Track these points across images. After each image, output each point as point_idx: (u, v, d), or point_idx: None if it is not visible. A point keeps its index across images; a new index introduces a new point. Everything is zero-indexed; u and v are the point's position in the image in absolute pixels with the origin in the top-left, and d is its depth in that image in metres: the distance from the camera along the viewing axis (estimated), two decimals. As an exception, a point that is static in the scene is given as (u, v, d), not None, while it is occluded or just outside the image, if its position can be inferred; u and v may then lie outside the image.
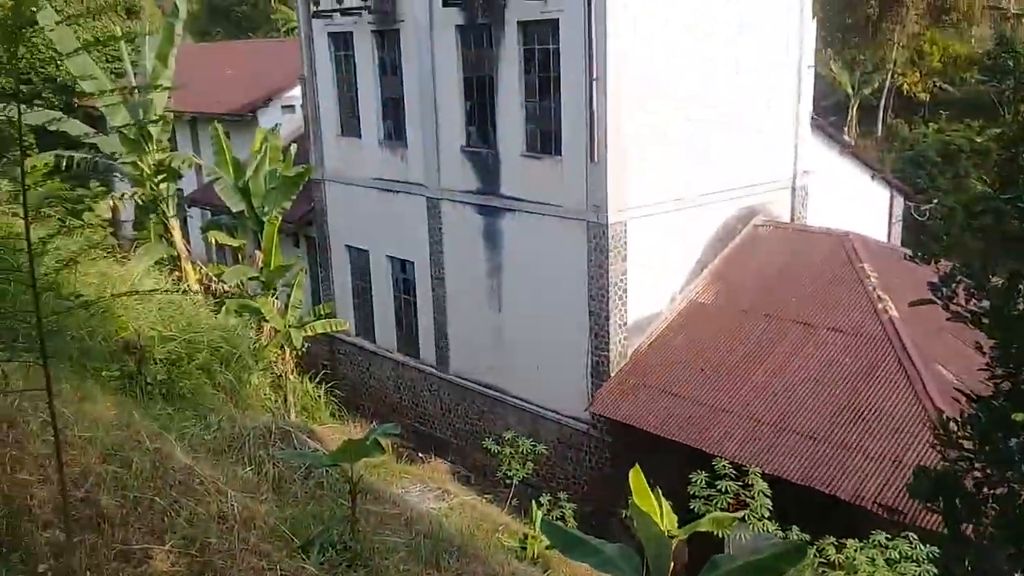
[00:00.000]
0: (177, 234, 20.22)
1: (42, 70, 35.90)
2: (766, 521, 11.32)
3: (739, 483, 11.65)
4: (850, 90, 43.82)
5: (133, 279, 9.95)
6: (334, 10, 21.01)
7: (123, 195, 20.26)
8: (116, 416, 6.04)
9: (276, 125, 24.04)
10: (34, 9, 3.71)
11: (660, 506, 7.76)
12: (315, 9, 21.66)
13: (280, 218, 20.88)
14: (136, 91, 15.68)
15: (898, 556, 10.37)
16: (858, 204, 21.88)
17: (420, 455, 18.83)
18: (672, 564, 7.05)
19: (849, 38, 43.57)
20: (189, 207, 28.44)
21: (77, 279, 8.17)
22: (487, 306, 19.13)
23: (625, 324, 16.87)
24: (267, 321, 18.14)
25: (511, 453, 14.01)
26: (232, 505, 5.46)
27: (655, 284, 17.21)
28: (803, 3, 18.82)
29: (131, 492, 5.01)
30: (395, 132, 20.84)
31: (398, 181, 20.77)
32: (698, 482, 11.68)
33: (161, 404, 7.92)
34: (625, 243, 16.52)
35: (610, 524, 15.03)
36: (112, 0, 39.24)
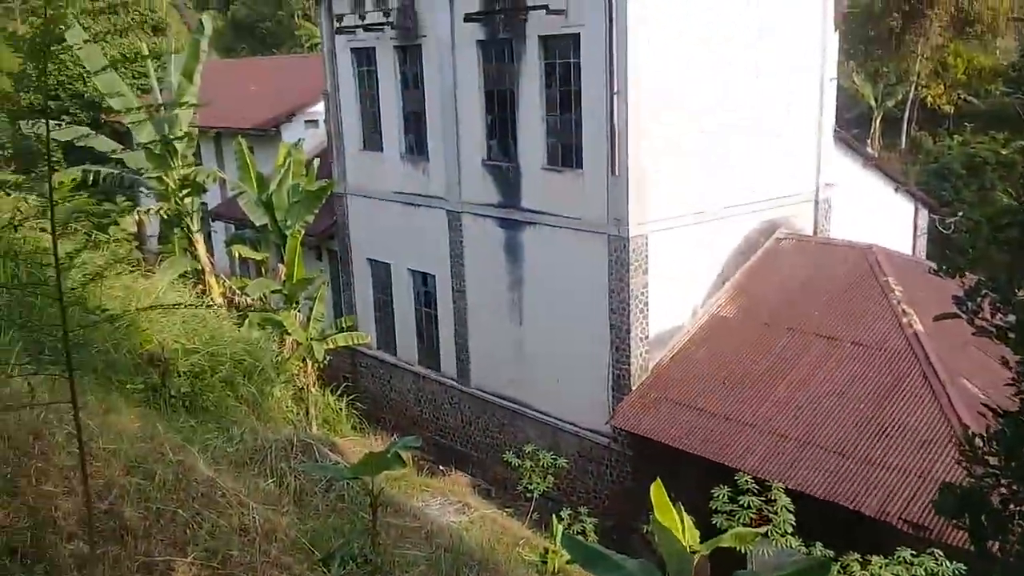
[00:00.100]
0: (201, 248, 20.39)
1: (70, 87, 36.50)
2: (789, 537, 11.20)
3: (762, 498, 11.54)
4: (873, 102, 43.59)
5: (157, 292, 10.05)
6: (357, 26, 21.20)
7: (148, 210, 20.50)
8: (140, 428, 6.09)
9: (299, 140, 24.26)
10: (62, 28, 3.77)
11: (682, 521, 7.70)
12: (338, 25, 21.87)
13: (303, 232, 21.02)
14: (162, 108, 15.90)
15: (924, 573, 10.22)
16: (882, 217, 21.72)
17: (440, 468, 18.80)
18: (694, 580, 6.99)
19: (872, 50, 43.40)
20: (213, 221, 28.74)
21: (103, 293, 8.26)
22: (508, 319, 19.14)
23: (646, 337, 16.81)
24: (289, 334, 18.24)
25: (531, 466, 13.94)
26: (254, 517, 5.49)
27: (677, 297, 17.15)
28: (825, 15, 18.76)
29: (154, 504, 5.04)
30: (417, 146, 20.96)
31: (419, 195, 20.88)
32: (720, 497, 11.58)
33: (184, 416, 7.98)
34: (646, 256, 16.48)
35: (631, 539, 14.93)
36: (139, 18, 39.91)
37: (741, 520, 11.14)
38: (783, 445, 14.11)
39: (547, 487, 13.98)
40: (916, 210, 23.31)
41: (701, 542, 7.77)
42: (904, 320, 15.24)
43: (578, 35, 16.40)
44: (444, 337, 21.12)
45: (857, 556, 10.59)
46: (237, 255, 23.35)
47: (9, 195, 4.48)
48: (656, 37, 15.97)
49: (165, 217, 20.22)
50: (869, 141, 42.17)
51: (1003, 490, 4.24)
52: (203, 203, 22.78)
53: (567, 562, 10.19)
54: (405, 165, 21.28)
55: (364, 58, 21.85)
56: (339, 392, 19.17)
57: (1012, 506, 4.20)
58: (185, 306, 8.58)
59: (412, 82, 20.67)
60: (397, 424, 22.05)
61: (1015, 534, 4.18)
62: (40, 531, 4.31)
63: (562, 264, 17.62)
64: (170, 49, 20.65)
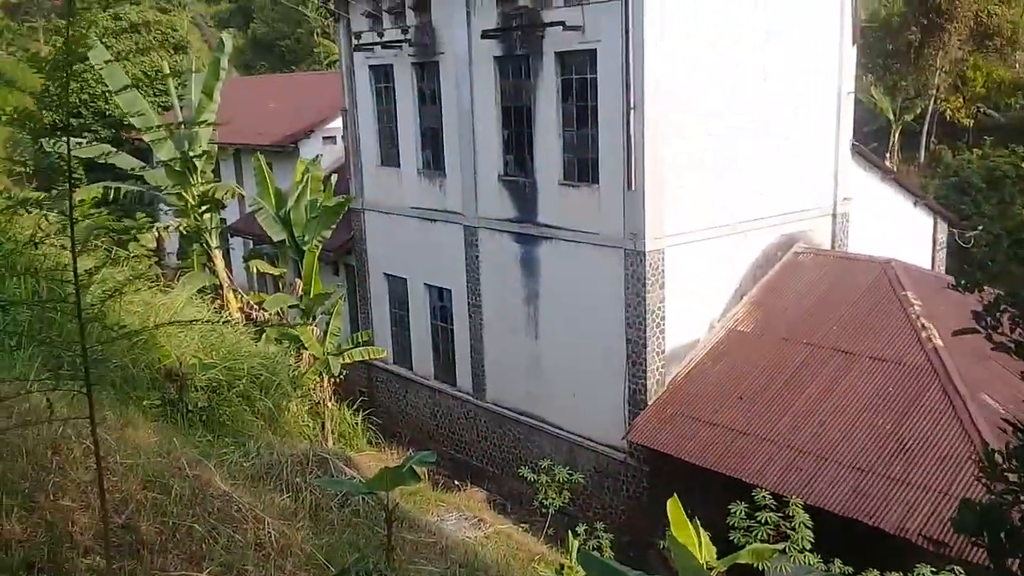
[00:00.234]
0: (220, 263, 20.54)
1: (92, 105, 36.97)
2: (807, 553, 11.08)
3: (780, 514, 11.44)
4: (892, 116, 43.39)
5: (176, 308, 10.13)
6: (375, 43, 21.38)
7: (167, 226, 20.68)
8: (157, 443, 6.13)
9: (317, 156, 24.43)
10: (83, 48, 3.84)
11: (699, 537, 7.67)
12: (357, 43, 22.08)
13: (320, 247, 21.14)
14: (182, 126, 16.13)
15: (944, 591, 10.09)
16: (901, 231, 21.58)
17: (456, 483, 18.78)
18: (710, 597, 6.95)
19: (891, 64, 43.24)
20: (232, 237, 28.93)
21: (122, 308, 8.34)
22: (524, 334, 19.14)
23: (663, 352, 16.76)
24: (306, 349, 18.31)
25: (547, 481, 13.91)
26: (269, 532, 5.51)
27: (694, 312, 17.10)
28: (843, 29, 18.74)
29: (170, 519, 5.07)
30: (433, 162, 21.06)
31: (436, 210, 20.96)
32: (737, 513, 11.48)
33: (201, 431, 8.02)
34: (663, 271, 16.45)
35: (648, 555, 14.84)
36: (161, 37, 40.43)
37: (759, 536, 11.05)
38: (801, 460, 14.00)
39: (563, 502, 13.93)
40: (935, 224, 23.15)
41: (718, 558, 7.73)
42: (923, 335, 15.12)
43: (595, 51, 16.47)
44: (460, 352, 21.14)
45: (876, 573, 10.47)
46: (255, 270, 23.50)
47: (29, 212, 4.54)
48: (681, 53, 16.00)
49: (184, 233, 20.40)
50: (888, 155, 41.96)
51: (1023, 507, 4.19)
52: (222, 219, 22.98)
53: (583, 578, 10.15)
54: (422, 180, 21.38)
55: (382, 75, 22.02)
56: (355, 406, 19.22)
57: (1032, 524, 4.14)
58: (202, 322, 8.63)
59: (429, 98, 20.80)
60: (413, 439, 22.05)
61: (1035, 552, 4.12)
62: (57, 546, 4.35)
63: (578, 279, 17.61)
64: (191, 67, 20.86)
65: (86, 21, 3.68)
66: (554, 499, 13.67)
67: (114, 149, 19.14)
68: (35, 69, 3.72)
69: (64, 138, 3.91)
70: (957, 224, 24.21)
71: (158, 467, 5.56)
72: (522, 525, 14.22)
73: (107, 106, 36.04)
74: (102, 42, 20.65)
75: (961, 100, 43.28)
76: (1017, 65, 44.61)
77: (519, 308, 19.14)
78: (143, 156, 24.91)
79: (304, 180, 21.83)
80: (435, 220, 21.04)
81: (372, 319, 23.89)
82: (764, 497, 11.56)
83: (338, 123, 25.42)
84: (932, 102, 43.15)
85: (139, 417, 6.71)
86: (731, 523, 11.34)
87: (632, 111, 15.82)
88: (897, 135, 43.93)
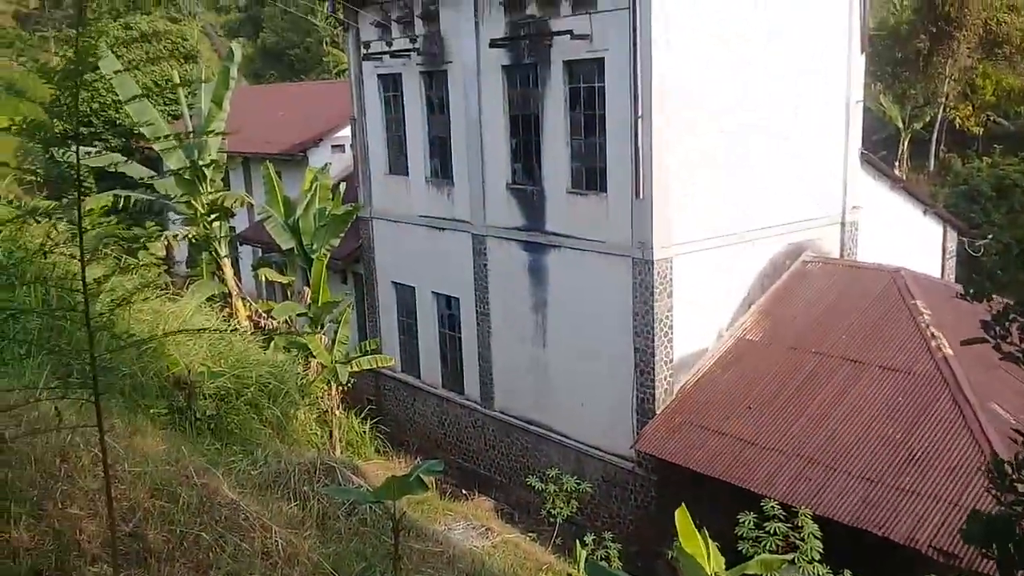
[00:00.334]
0: (228, 271, 20.62)
1: (103, 114, 37.20)
2: (817, 564, 11.04)
3: (789, 524, 11.40)
4: (901, 124, 43.31)
5: (185, 316, 10.16)
6: (384, 53, 21.46)
7: (176, 235, 20.77)
8: (165, 451, 6.15)
9: (326, 164, 24.52)
10: (92, 59, 3.86)
11: (707, 547, 7.62)
12: (365, 52, 22.17)
13: (328, 255, 21.19)
14: (192, 135, 16.20)
15: (956, 603, 10.02)
16: (910, 239, 21.51)
17: (464, 492, 18.76)
18: (719, 607, 6.90)
19: (899, 72, 43.18)
20: (241, 245, 29.04)
21: (131, 316, 8.37)
22: (532, 342, 19.13)
23: (671, 361, 16.72)
24: (314, 357, 18.34)
25: (555, 491, 13.89)
26: (276, 541, 5.51)
27: (702, 321, 17.06)
28: (851, 37, 18.73)
29: (178, 527, 5.08)
30: (442, 170, 21.11)
31: (444, 218, 21.00)
32: (746, 523, 11.45)
33: (209, 439, 8.03)
34: (671, 279, 16.43)
35: (656, 565, 14.78)
36: (171, 47, 40.68)
37: (767, 547, 11.01)
38: (810, 470, 13.93)
39: (571, 512, 13.90)
40: (945, 232, 23.07)
41: (727, 569, 7.68)
42: (933, 344, 15.05)
43: (602, 59, 16.49)
44: (468, 360, 21.13)
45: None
46: (264, 278, 23.58)
47: (38, 223, 4.56)
48: (687, 63, 16.01)
49: (194, 241, 20.48)
50: (897, 163, 41.87)
51: (1033, 519, 4.16)
52: (231, 227, 23.08)
53: (591, 588, 10.10)
54: (430, 189, 21.43)
55: (390, 84, 22.10)
56: (363, 415, 19.23)
57: (1042, 535, 4.11)
58: (211, 331, 8.66)
59: (437, 107, 20.86)
60: (421, 447, 22.05)
61: (1045, 564, 4.09)
62: (65, 554, 4.36)
63: (586, 287, 17.60)
64: (201, 77, 20.99)
65: (96, 31, 3.70)
66: (562, 508, 13.64)
67: (124, 158, 19.21)
68: (45, 80, 3.74)
69: (73, 147, 3.93)
70: (967, 233, 24.10)
71: (166, 475, 5.57)
72: (530, 534, 14.17)
73: (118, 115, 36.27)
74: (113, 52, 20.78)
75: (970, 108, 43.17)
76: (1027, 73, 44.46)
77: (527, 316, 19.13)
78: (153, 165, 25.06)
79: (313, 188, 21.91)
80: (443, 228, 21.07)
81: (380, 327, 23.91)
82: (773, 507, 11.53)
83: (347, 132, 25.52)
84: (941, 110, 43.06)
85: (147, 425, 6.72)
86: (740, 533, 11.31)
87: (640, 120, 15.83)
88: (906, 143, 43.83)
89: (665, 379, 16.69)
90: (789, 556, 10.53)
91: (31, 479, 4.73)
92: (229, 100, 20.07)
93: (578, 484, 14.34)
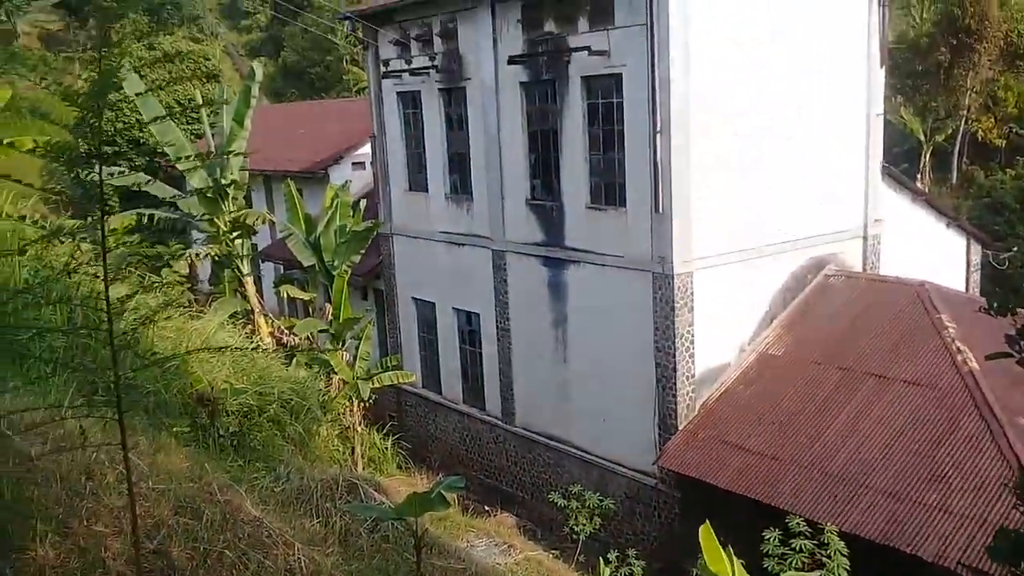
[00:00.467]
0: (251, 288, 20.75)
1: (127, 134, 37.66)
2: (843, 582, 10.90)
3: (814, 541, 11.27)
4: (922, 137, 42.99)
5: (208, 333, 10.22)
6: (403, 70, 21.63)
7: (199, 253, 20.95)
8: (189, 468, 6.17)
9: (347, 181, 24.68)
10: (116, 80, 3.91)
11: (732, 565, 7.55)
12: (385, 70, 22.34)
13: (349, 272, 21.30)
14: (214, 155, 16.39)
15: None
16: (933, 253, 21.32)
17: (486, 508, 18.70)
18: (744, 626, 6.83)
19: (920, 85, 42.90)
20: (263, 262, 29.24)
21: (155, 334, 8.43)
22: (552, 358, 19.09)
23: (693, 376, 16.63)
24: (336, 373, 18.40)
25: (578, 507, 13.83)
26: (299, 558, 5.51)
27: (723, 335, 16.97)
28: (870, 51, 18.66)
29: (201, 544, 5.09)
30: (461, 186, 21.18)
31: (464, 234, 21.05)
32: (771, 540, 11.34)
33: (232, 456, 8.06)
34: (692, 294, 16.36)
35: (680, 582, 14.63)
36: (193, 66, 41.19)
37: (793, 564, 10.89)
38: (836, 486, 13.78)
39: (594, 528, 13.84)
40: (968, 245, 22.85)
41: (751, 587, 7.60)
42: (959, 358, 14.87)
43: (620, 75, 16.52)
44: (488, 376, 21.12)
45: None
46: (285, 295, 23.72)
47: (63, 243, 4.62)
48: (707, 78, 16.01)
49: (216, 259, 20.65)
50: (919, 176, 41.53)
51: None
52: (253, 245, 23.25)
53: (614, 606, 10.03)
54: (450, 205, 21.50)
55: (410, 101, 22.24)
56: (385, 431, 19.27)
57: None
58: (233, 348, 8.70)
59: (456, 124, 20.96)
60: (442, 463, 22.03)
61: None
62: (90, 571, 4.37)
63: (606, 302, 17.56)
64: (223, 96, 21.22)
65: (120, 53, 3.76)
66: (585, 525, 13.58)
67: (150, 178, 19.47)
68: (68, 103, 3.80)
69: (97, 167, 3.98)
70: (991, 245, 23.85)
71: (189, 492, 5.59)
72: (553, 551, 14.09)
73: (142, 134, 36.72)
74: (136, 71, 21.06)
75: (992, 120, 42.81)
76: (1049, 84, 44.04)
77: (547, 332, 19.10)
78: (177, 183, 25.32)
79: (334, 206, 22.06)
80: (463, 244, 21.12)
81: (401, 343, 23.96)
82: (798, 524, 11.41)
83: (367, 149, 25.69)
84: (963, 122, 42.72)
85: (171, 442, 6.76)
86: (765, 550, 11.20)
87: (659, 134, 15.82)
88: (928, 156, 43.49)
89: (687, 394, 16.60)
90: (815, 574, 10.42)
91: (57, 497, 4.76)
92: (250, 119, 20.27)
93: (601, 501, 14.27)
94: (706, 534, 7.51)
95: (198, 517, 5.31)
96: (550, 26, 17.75)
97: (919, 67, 42.52)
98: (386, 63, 22.30)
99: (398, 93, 22.41)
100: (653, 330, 16.62)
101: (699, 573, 8.28)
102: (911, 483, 13.23)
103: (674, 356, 16.36)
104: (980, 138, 42.99)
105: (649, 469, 17.14)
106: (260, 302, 21.42)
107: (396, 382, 20.59)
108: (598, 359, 17.97)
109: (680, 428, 16.48)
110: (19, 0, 57.27)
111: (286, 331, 20.95)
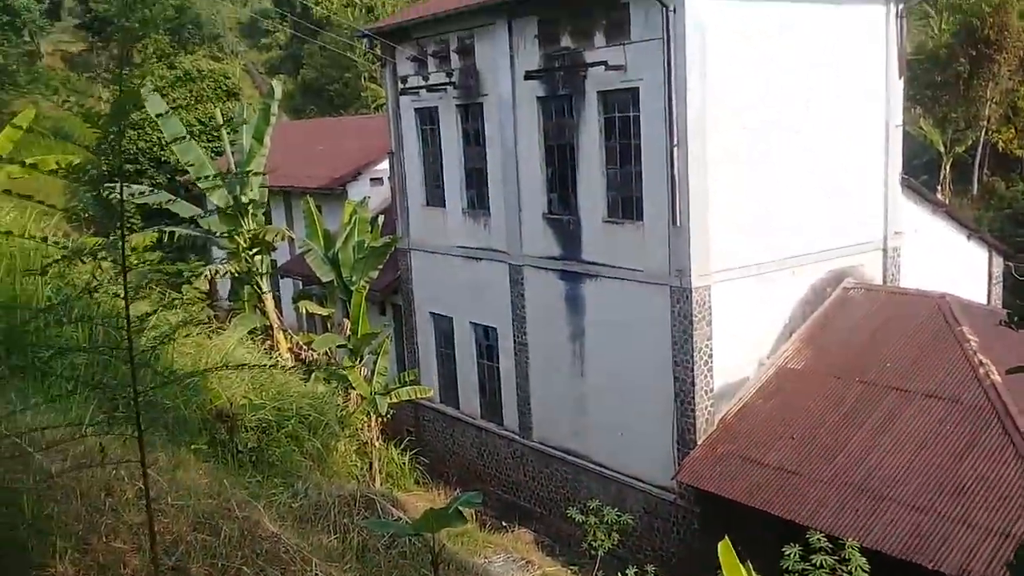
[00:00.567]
0: (270, 304, 20.85)
1: (149, 152, 38.07)
2: (865, 598, 10.78)
3: (835, 557, 11.15)
4: (942, 148, 42.69)
5: (227, 349, 10.29)
6: (421, 87, 21.77)
7: (219, 270, 21.10)
8: (208, 484, 6.21)
9: (365, 197, 24.77)
10: (137, 101, 3.98)
11: (750, 581, 7.49)
12: (403, 87, 22.50)
13: (367, 287, 21.37)
14: (234, 173, 16.56)
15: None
16: (954, 265, 21.13)
17: (504, 523, 18.66)
18: (764, 643, 6.77)
19: (939, 96, 42.63)
20: (282, 278, 29.40)
21: (175, 350, 8.50)
22: (570, 372, 19.06)
23: (711, 390, 16.54)
24: (354, 388, 18.46)
25: (596, 523, 13.75)
26: (317, 574, 5.52)
27: (742, 349, 16.88)
28: (888, 62, 18.59)
29: (220, 560, 5.11)
30: (478, 201, 21.26)
31: (481, 248, 21.10)
32: (791, 556, 11.23)
33: (251, 472, 8.09)
34: (710, 308, 16.30)
35: (700, 598, 14.51)
36: (213, 85, 41.64)
37: (814, 580, 10.77)
38: (856, 501, 13.65)
39: (612, 544, 13.75)
40: (990, 257, 22.63)
41: (771, 603, 7.54)
42: (981, 371, 14.72)
43: (637, 89, 16.55)
44: (506, 390, 21.11)
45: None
46: (304, 311, 23.81)
47: (84, 262, 4.68)
48: (723, 91, 16.01)
49: (236, 276, 20.79)
50: (939, 187, 41.20)
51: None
52: (273, 261, 23.41)
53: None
54: (467, 220, 21.57)
55: (427, 117, 22.37)
56: (402, 446, 19.29)
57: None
58: (251, 366, 8.76)
59: (474, 139, 21.06)
60: (460, 478, 22.00)
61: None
62: (109, 587, 4.41)
63: (624, 316, 17.53)
64: (242, 114, 21.41)
65: (141, 73, 3.82)
66: (603, 541, 13.49)
67: (172, 197, 19.65)
68: (90, 124, 3.86)
69: (118, 186, 4.04)
70: (1012, 257, 23.62)
71: (208, 508, 5.62)
72: (571, 567, 14.05)
73: (163, 153, 37.11)
74: (158, 91, 21.34)
75: (1013, 131, 42.45)
76: (1071, 94, 43.64)
77: (565, 346, 19.08)
78: (197, 200, 25.55)
79: (352, 221, 22.15)
80: (480, 259, 21.18)
81: (419, 358, 24.00)
82: (819, 539, 11.30)
83: (385, 165, 25.83)
84: (983, 133, 42.39)
85: (190, 459, 6.80)
86: (785, 566, 11.09)
87: (676, 147, 15.82)
88: (948, 167, 43.16)
89: (706, 409, 16.51)
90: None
91: (76, 513, 4.81)
92: (270, 136, 20.43)
93: (619, 516, 14.18)
94: (725, 550, 7.46)
95: (216, 533, 5.34)
96: (567, 41, 17.83)
97: (938, 78, 42.26)
98: (404, 80, 22.46)
99: (416, 109, 22.55)
100: (671, 344, 16.56)
101: (718, 589, 8.21)
102: (934, 496, 13.09)
103: (692, 370, 16.29)
104: (1000, 149, 42.63)
105: (668, 484, 17.05)
106: (279, 318, 21.52)
107: (414, 397, 20.62)
108: (616, 373, 17.92)
109: (699, 443, 16.38)
110: (42, 21, 58.11)
111: (305, 347, 21.04)
